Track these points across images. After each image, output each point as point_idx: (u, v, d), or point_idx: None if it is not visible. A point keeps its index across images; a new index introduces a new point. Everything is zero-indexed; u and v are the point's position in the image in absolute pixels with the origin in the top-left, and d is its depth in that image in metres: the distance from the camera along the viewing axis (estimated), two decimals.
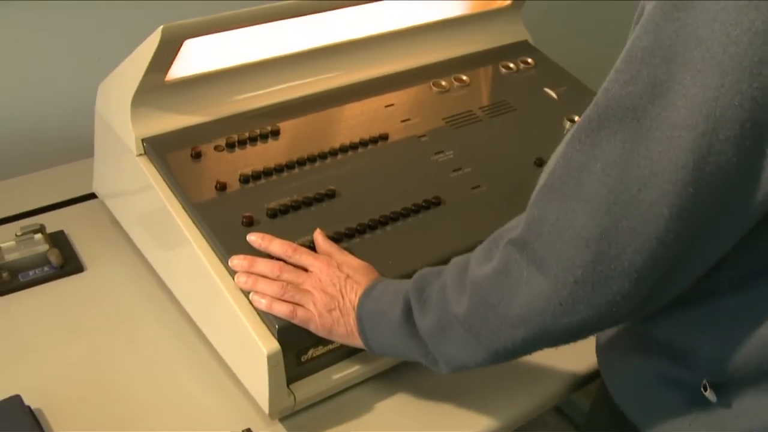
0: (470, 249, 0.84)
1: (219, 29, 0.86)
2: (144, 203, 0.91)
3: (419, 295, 0.70)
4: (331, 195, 0.87)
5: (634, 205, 0.53)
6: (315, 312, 0.74)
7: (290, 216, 0.84)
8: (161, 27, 0.80)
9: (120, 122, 0.91)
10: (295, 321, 0.74)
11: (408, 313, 0.70)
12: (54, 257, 0.96)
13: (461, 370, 0.69)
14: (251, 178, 0.87)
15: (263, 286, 0.75)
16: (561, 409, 1.53)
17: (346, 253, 0.79)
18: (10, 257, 0.95)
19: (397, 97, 1.03)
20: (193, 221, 0.83)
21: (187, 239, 0.82)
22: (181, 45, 0.84)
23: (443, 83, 1.06)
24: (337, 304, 0.74)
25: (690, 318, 0.63)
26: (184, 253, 0.83)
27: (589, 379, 0.87)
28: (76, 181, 1.10)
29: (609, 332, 0.74)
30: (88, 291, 0.94)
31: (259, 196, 0.85)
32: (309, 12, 0.92)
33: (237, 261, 0.78)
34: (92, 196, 1.08)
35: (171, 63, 0.86)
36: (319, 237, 0.80)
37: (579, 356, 0.86)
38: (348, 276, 0.76)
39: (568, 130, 1.04)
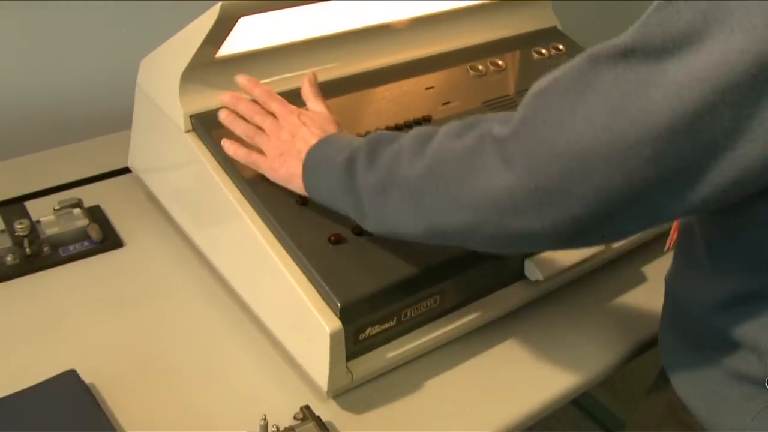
0: None
1: (274, 7, 0.86)
2: (191, 180, 0.91)
3: (370, 151, 0.71)
4: None
5: (620, 137, 0.54)
6: (267, 155, 0.81)
7: None
8: (219, 4, 0.80)
9: (167, 98, 0.91)
10: (248, 163, 0.83)
11: (351, 162, 0.72)
12: (94, 232, 0.96)
13: (388, 235, 0.72)
14: None
15: (237, 122, 0.84)
16: (578, 402, 1.55)
17: (321, 103, 0.86)
18: (50, 231, 0.95)
19: (436, 80, 1.04)
20: (246, 198, 0.83)
21: (241, 216, 0.82)
22: (236, 22, 0.84)
23: (480, 67, 1.07)
24: (287, 148, 0.80)
25: (757, 311, 0.64)
26: (236, 231, 0.83)
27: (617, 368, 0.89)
28: (109, 155, 1.10)
29: (674, 324, 0.75)
30: (130, 266, 0.95)
31: None
32: None
33: (227, 97, 0.86)
34: (125, 170, 1.08)
35: (223, 40, 0.86)
36: (306, 80, 0.88)
37: (614, 341, 0.89)
38: (304, 124, 0.81)
39: None
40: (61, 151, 1.13)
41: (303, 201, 0.82)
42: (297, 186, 0.79)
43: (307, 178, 0.78)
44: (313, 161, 0.77)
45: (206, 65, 0.89)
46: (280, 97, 0.85)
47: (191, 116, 0.89)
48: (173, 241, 0.98)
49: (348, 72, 1.00)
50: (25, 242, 0.92)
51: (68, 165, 1.09)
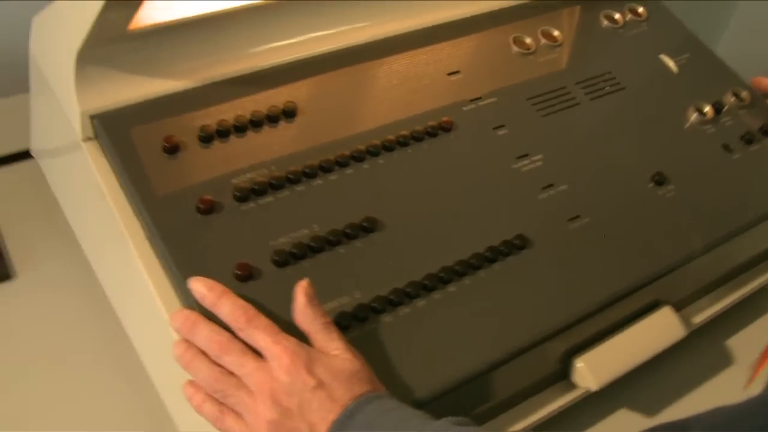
0: (575, 322, 0.59)
1: None
2: (89, 205, 0.63)
3: None
4: (369, 228, 0.58)
5: None
6: (250, 429, 0.49)
7: (306, 263, 0.56)
8: None
9: (61, 83, 0.61)
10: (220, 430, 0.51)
11: None
12: None
13: None
14: (252, 193, 0.58)
15: (198, 367, 0.51)
16: None
17: (337, 335, 0.51)
18: None
19: (464, 59, 0.72)
20: (161, 265, 0.55)
21: (151, 293, 0.54)
22: None
23: (527, 41, 0.76)
24: (289, 424, 0.48)
25: None
26: (145, 307, 0.56)
27: None
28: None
29: None
30: (19, 311, 0.67)
31: (261, 227, 0.57)
32: None
33: (178, 319, 0.52)
34: (26, 154, 0.79)
35: (138, 5, 0.56)
36: (300, 294, 0.52)
37: None
38: (320, 384, 0.48)
39: (693, 123, 0.76)
40: None
41: (245, 276, 0.54)
42: None
43: None
44: None
45: (117, 39, 0.58)
46: (265, 319, 0.51)
47: (93, 117, 0.59)
48: (81, 271, 0.70)
49: (333, 46, 0.69)
50: None
51: None
